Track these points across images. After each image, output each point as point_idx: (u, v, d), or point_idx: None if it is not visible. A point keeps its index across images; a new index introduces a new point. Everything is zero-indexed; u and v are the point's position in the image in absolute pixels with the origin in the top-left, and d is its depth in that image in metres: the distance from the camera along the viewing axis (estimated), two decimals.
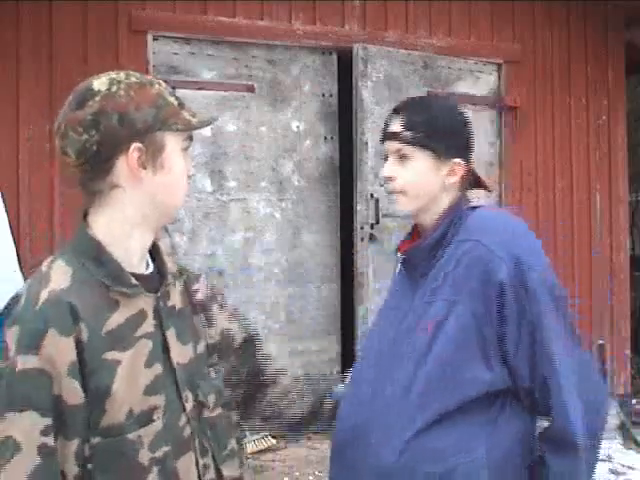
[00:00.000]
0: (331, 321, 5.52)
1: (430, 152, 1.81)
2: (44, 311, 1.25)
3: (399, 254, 1.90)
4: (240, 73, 5.29)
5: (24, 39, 4.75)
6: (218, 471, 1.46)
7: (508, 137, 5.91)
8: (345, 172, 5.58)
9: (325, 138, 5.53)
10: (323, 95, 5.52)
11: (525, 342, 1.68)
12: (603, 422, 1.75)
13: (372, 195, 5.19)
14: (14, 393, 1.22)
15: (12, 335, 1.24)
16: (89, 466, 1.26)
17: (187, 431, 1.39)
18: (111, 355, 1.28)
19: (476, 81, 5.87)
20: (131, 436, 1.28)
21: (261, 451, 4.99)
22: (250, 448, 4.97)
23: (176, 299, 1.46)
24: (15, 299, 1.30)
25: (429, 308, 1.76)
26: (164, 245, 1.45)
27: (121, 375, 1.28)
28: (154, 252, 1.45)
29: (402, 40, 5.59)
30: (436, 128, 1.81)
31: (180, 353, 1.41)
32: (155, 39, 5.05)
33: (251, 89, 5.30)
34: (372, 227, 5.21)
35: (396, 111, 1.86)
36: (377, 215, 5.19)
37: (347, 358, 5.45)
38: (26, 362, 1.22)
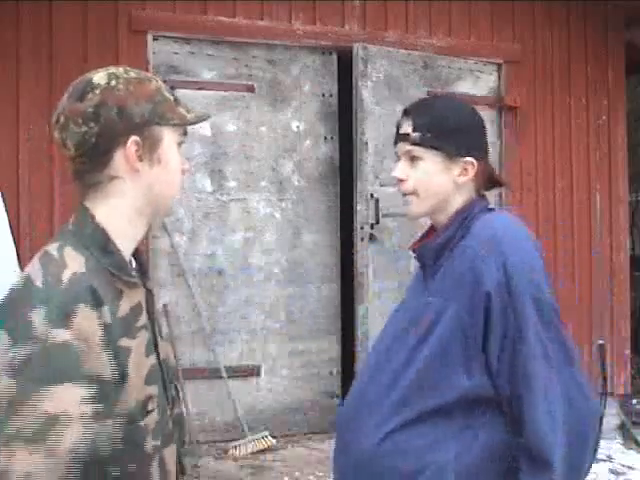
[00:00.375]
0: (331, 321, 5.52)
1: (440, 152, 1.80)
2: (71, 289, 1.23)
3: (410, 252, 1.92)
4: (240, 73, 5.30)
5: (24, 39, 4.76)
6: (181, 466, 1.47)
7: (509, 137, 5.91)
8: (345, 172, 5.58)
9: (325, 138, 5.53)
10: (323, 95, 5.52)
11: (507, 352, 1.68)
12: (589, 447, 1.68)
13: (372, 195, 5.18)
14: (48, 367, 1.18)
15: (38, 315, 1.20)
16: (104, 455, 1.24)
17: (170, 423, 1.41)
18: (123, 342, 1.28)
19: (476, 81, 5.87)
20: (142, 424, 1.29)
21: (261, 451, 5.00)
22: (250, 448, 4.98)
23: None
24: (24, 282, 1.26)
25: (427, 309, 1.77)
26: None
27: (131, 363, 1.28)
28: (136, 249, 1.45)
29: (402, 40, 5.59)
30: (445, 128, 1.80)
31: (163, 348, 1.44)
32: (155, 39, 5.06)
33: (251, 89, 5.31)
34: (372, 227, 5.21)
35: (406, 113, 1.86)
36: (377, 215, 5.18)
37: (347, 358, 5.45)
38: (57, 336, 1.19)
